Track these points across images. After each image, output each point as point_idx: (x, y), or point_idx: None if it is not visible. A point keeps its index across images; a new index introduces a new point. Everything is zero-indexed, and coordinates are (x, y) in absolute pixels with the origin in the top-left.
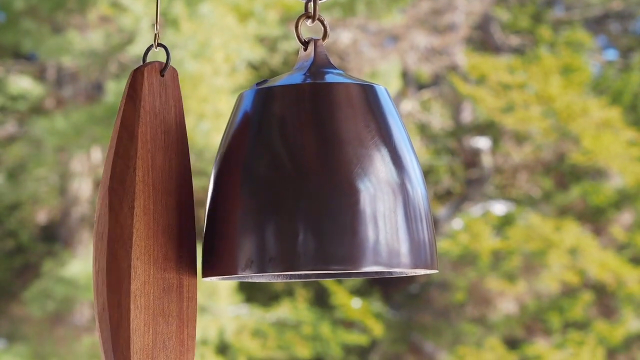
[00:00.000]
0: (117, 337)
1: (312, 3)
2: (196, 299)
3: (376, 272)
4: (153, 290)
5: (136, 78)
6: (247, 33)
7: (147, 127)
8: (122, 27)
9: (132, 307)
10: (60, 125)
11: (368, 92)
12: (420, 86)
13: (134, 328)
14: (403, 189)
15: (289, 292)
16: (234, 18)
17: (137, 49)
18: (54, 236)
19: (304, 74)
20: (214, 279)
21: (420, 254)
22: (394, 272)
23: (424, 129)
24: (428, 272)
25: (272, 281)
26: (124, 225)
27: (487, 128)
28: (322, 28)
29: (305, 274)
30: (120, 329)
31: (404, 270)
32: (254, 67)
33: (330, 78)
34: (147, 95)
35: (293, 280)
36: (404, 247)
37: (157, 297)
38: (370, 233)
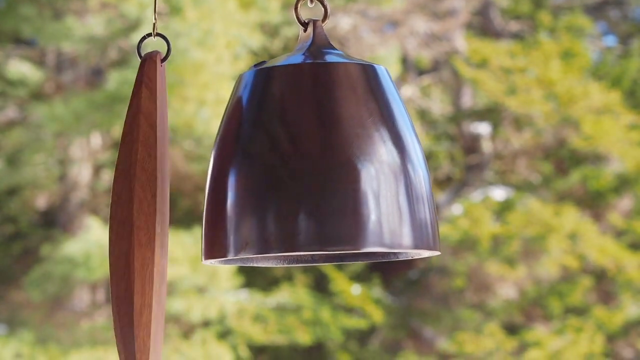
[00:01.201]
0: (139, 323)
1: None
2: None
3: (378, 255)
4: (161, 277)
5: (150, 66)
6: (249, 20)
7: (162, 114)
8: (125, 13)
9: (153, 293)
10: (59, 110)
11: (368, 72)
12: (420, 72)
13: (154, 315)
14: (404, 169)
15: (288, 277)
16: (235, 4)
17: (141, 36)
18: (54, 221)
19: (303, 54)
20: (214, 262)
21: (422, 235)
22: (396, 253)
23: (423, 115)
24: (430, 253)
25: (274, 266)
26: (148, 212)
27: (487, 113)
28: (323, 10)
29: (309, 257)
30: (142, 315)
31: (406, 250)
32: (255, 53)
33: (329, 58)
34: (159, 83)
35: (294, 265)
36: (405, 228)
37: (162, 283)
38: (370, 213)
